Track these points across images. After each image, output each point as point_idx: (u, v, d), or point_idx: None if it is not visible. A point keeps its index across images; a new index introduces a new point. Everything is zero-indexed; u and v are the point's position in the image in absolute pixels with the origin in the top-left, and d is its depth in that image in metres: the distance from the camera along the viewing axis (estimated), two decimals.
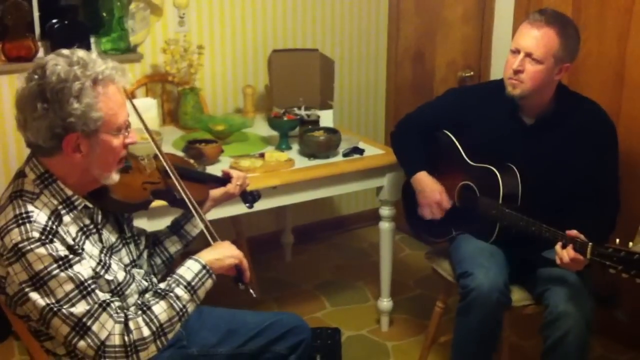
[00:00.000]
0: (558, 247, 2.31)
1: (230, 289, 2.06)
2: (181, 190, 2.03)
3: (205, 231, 2.06)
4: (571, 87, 2.84)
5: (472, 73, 3.81)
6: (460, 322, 2.56)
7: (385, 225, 3.26)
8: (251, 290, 2.02)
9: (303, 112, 3.34)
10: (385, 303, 3.40)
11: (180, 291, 1.88)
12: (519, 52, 2.49)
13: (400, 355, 3.26)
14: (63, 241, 1.76)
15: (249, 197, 2.35)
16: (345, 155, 3.14)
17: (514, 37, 2.55)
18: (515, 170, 2.58)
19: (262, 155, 2.98)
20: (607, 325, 3.13)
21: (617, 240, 2.16)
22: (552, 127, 2.59)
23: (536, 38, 2.46)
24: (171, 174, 2.04)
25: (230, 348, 2.19)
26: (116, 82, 1.81)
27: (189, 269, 1.92)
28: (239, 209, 2.65)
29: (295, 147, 3.18)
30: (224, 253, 1.99)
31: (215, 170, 2.37)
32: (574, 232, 2.29)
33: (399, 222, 3.30)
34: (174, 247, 2.23)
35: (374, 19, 4.28)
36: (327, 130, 3.18)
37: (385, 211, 3.23)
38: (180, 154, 2.89)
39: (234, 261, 1.99)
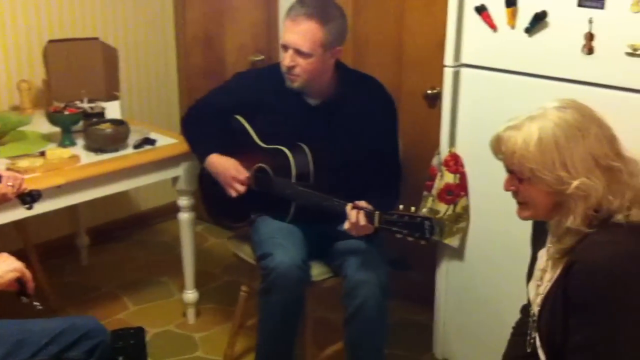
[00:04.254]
0: (348, 209, 2.37)
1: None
2: None
3: None
4: (356, 66, 2.93)
5: (262, 57, 3.82)
6: (264, 303, 2.57)
7: (184, 216, 3.21)
8: (35, 303, 1.93)
9: (86, 105, 3.20)
10: (190, 295, 3.35)
11: None
12: (288, 48, 2.53)
13: (208, 345, 3.23)
14: None
15: (27, 197, 2.22)
16: (135, 147, 3.05)
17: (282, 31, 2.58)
18: (306, 149, 2.62)
19: (42, 154, 2.82)
20: (404, 289, 3.28)
21: (401, 207, 2.26)
22: (336, 106, 2.66)
23: (300, 33, 2.50)
24: None
25: None
26: None
27: None
28: (20, 212, 2.49)
29: (81, 142, 3.03)
30: (2, 269, 1.88)
31: None
32: (362, 203, 2.37)
33: (200, 212, 3.26)
34: None
35: (159, 4, 4.17)
36: (114, 122, 3.07)
37: (183, 201, 3.18)
38: None
39: (15, 275, 1.89)
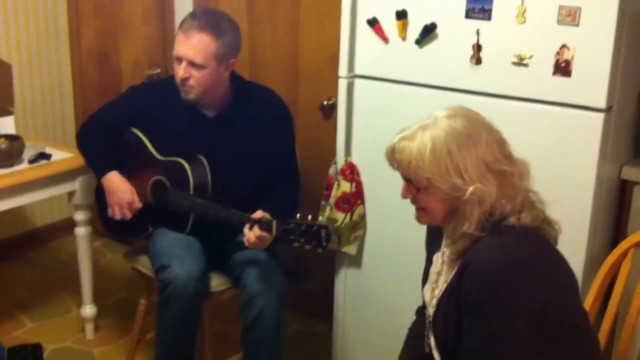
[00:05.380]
0: (245, 229, 2.41)
1: None
2: None
3: None
4: (253, 79, 2.96)
5: (159, 70, 3.80)
6: (161, 315, 2.56)
7: (81, 230, 3.16)
8: None
9: None
10: (88, 310, 3.30)
11: None
12: (182, 60, 2.54)
13: None
14: None
15: None
16: (31, 162, 2.99)
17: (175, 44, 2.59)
18: (203, 160, 2.63)
19: None
20: (304, 301, 3.32)
21: (298, 216, 2.29)
22: (232, 117, 2.68)
23: (193, 46, 2.52)
24: None
25: None
26: None
27: None
28: None
29: None
30: None
31: None
32: (258, 213, 2.40)
33: (97, 227, 3.21)
34: None
35: (53, 19, 4.09)
36: (8, 137, 3.01)
37: (79, 216, 3.14)
38: None
39: None
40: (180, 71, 2.55)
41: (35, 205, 4.09)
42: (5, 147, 2.92)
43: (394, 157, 1.78)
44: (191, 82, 2.55)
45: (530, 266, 1.69)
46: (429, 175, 1.70)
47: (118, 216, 2.70)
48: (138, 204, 2.69)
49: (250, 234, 2.38)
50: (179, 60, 2.55)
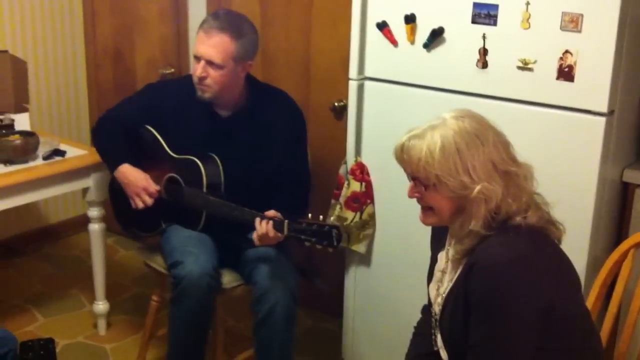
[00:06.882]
0: (257, 221, 2.44)
1: None
2: None
3: None
4: (266, 80, 2.99)
5: (173, 70, 3.85)
6: (174, 311, 2.60)
7: (95, 227, 3.21)
8: None
9: None
10: (101, 306, 3.35)
11: None
12: (200, 59, 2.59)
13: (120, 356, 3.23)
14: None
15: None
16: (45, 158, 3.05)
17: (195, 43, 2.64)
18: (217, 159, 2.67)
19: None
20: (314, 297, 3.37)
21: (309, 215, 2.34)
22: (246, 118, 2.72)
23: (212, 46, 2.56)
24: None
25: None
26: None
27: None
28: None
29: None
30: None
31: None
32: (271, 212, 2.44)
33: (111, 224, 3.27)
34: None
35: (68, 18, 4.15)
36: (23, 133, 3.06)
37: (93, 212, 3.19)
38: None
39: None
40: (199, 70, 2.59)
41: (49, 202, 4.15)
42: (20, 143, 2.98)
43: (402, 155, 1.81)
44: (208, 81, 2.60)
45: (536, 264, 1.72)
46: (438, 172, 1.73)
47: (140, 205, 2.72)
48: (154, 188, 2.72)
49: (262, 226, 2.42)
50: (198, 59, 2.60)
